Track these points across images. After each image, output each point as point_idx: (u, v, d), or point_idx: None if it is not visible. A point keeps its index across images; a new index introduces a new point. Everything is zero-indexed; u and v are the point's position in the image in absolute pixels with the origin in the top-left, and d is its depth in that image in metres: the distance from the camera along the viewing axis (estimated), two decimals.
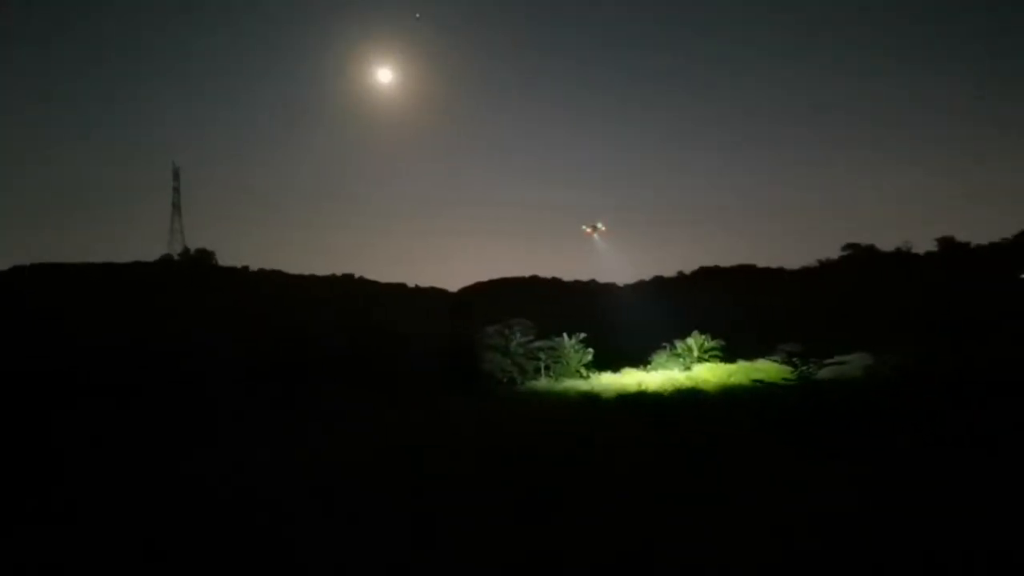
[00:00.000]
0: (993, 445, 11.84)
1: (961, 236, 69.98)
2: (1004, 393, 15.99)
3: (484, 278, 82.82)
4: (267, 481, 12.76)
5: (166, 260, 75.45)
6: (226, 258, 77.80)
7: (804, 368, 22.06)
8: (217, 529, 9.70)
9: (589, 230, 69.88)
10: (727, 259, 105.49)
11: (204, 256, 75.80)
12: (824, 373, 22.61)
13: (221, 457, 15.36)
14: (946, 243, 69.73)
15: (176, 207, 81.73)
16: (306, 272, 75.29)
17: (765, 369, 28.50)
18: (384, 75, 74.71)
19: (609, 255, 77.53)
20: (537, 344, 34.22)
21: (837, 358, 23.72)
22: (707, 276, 78.02)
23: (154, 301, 49.57)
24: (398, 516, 9.92)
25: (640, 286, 78.41)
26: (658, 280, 79.55)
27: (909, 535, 7.70)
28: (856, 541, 7.67)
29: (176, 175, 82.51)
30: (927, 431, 13.15)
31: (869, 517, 8.39)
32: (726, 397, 22.93)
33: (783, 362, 25.00)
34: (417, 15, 77.25)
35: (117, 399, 22.83)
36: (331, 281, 74.18)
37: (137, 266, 68.09)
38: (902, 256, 69.45)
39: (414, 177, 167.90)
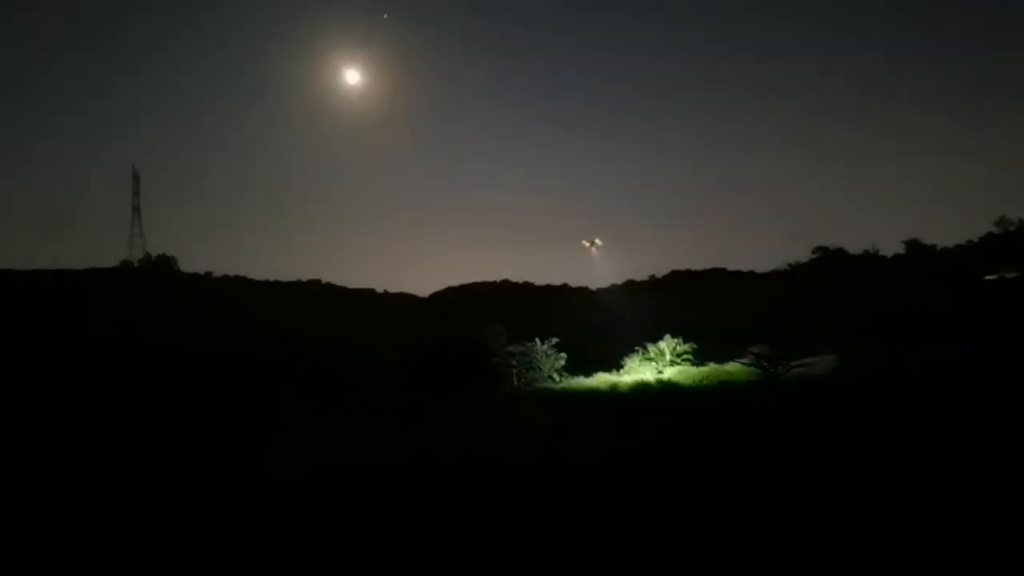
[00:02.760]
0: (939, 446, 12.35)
1: (927, 238, 72.06)
2: (961, 392, 16.60)
3: (455, 282, 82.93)
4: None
5: (126, 266, 74.11)
6: (188, 264, 76.71)
7: (772, 370, 22.61)
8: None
9: (588, 244, 74.85)
10: (698, 262, 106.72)
11: (165, 262, 74.61)
12: (793, 375, 23.17)
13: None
14: (913, 245, 71.65)
15: (136, 211, 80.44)
16: (271, 278, 74.60)
17: (735, 372, 29.03)
18: (352, 76, 74.52)
19: (601, 266, 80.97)
20: (509, 349, 34.35)
21: (805, 360, 24.32)
22: (679, 279, 79.02)
23: (111, 309, 48.63)
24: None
25: (612, 290, 79.11)
26: (630, 284, 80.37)
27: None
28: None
29: (136, 179, 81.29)
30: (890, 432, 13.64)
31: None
32: (696, 400, 23.31)
33: (752, 364, 25.61)
34: (385, 15, 76.99)
35: (65, 411, 22.33)
36: (297, 286, 73.50)
37: (94, 273, 66.70)
38: (870, 258, 71.16)
39: (382, 180, 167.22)
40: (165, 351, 30.69)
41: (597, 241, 74.26)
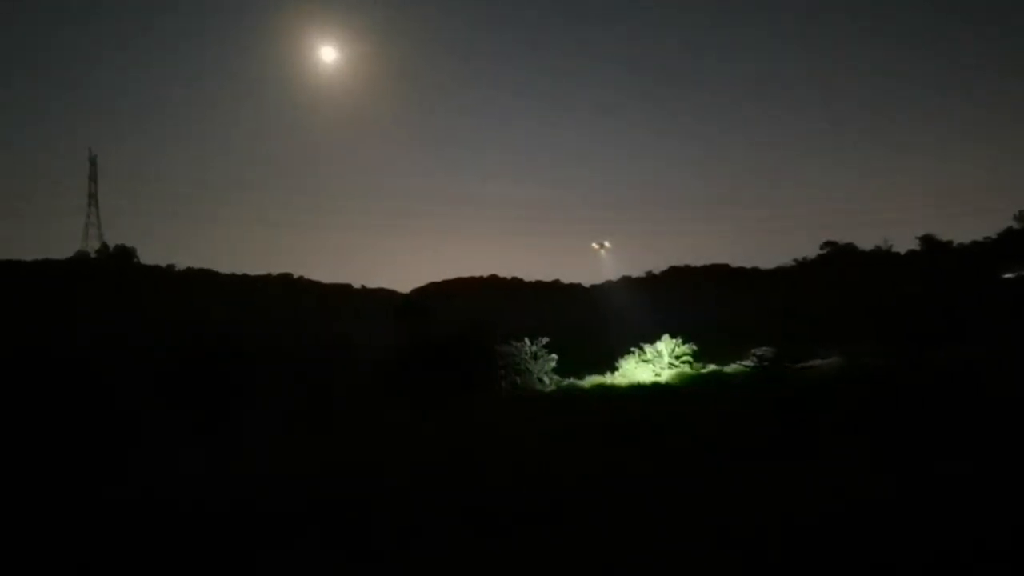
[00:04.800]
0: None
1: (943, 234, 72.36)
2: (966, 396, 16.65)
3: (439, 278, 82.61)
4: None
5: (81, 258, 73.15)
6: (149, 256, 75.90)
7: (776, 373, 22.60)
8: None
9: (597, 246, 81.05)
10: (699, 258, 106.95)
11: (124, 253, 73.71)
12: (797, 378, 23.13)
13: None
14: (928, 241, 71.86)
15: (93, 199, 79.15)
16: (239, 271, 73.88)
17: (737, 375, 29.00)
18: (328, 54, 74.04)
19: (608, 268, 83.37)
20: (497, 349, 33.93)
21: (810, 362, 24.31)
22: (678, 276, 79.07)
23: (65, 304, 48.04)
24: None
25: (607, 287, 79.05)
26: (626, 280, 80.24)
27: None
28: None
29: (92, 163, 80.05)
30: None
31: None
32: (693, 407, 23.14)
33: (755, 367, 25.61)
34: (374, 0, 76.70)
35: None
36: (266, 281, 72.82)
37: (46, 264, 65.78)
38: (882, 255, 71.36)
39: (361, 170, 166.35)
40: (123, 349, 30.29)
41: (606, 243, 78.79)
